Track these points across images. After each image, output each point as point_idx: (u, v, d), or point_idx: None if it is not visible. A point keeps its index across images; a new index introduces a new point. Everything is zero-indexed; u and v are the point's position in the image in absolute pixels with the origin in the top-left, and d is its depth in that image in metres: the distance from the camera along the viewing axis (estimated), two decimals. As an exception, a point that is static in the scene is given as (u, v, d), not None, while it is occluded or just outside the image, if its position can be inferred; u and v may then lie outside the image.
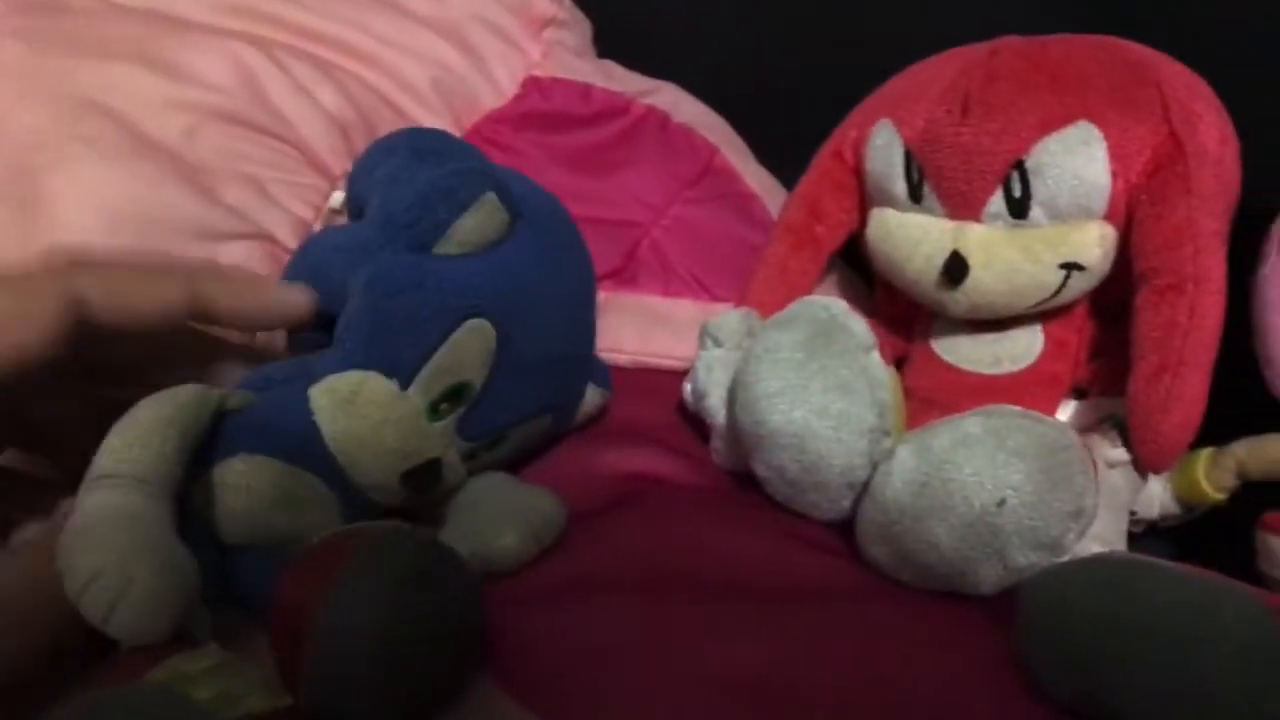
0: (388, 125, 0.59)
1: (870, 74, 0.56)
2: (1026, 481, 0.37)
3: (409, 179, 0.40)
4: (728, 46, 0.70)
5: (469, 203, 0.39)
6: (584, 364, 0.49)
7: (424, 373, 0.40)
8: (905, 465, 0.40)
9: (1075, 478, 0.37)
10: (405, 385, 0.39)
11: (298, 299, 0.40)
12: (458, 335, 0.40)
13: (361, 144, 0.57)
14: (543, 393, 0.45)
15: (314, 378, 0.39)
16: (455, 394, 0.41)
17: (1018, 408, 0.39)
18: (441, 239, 0.39)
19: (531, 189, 0.46)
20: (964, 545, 0.38)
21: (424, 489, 0.41)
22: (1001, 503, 0.37)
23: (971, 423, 0.39)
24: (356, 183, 0.44)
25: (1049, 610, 0.34)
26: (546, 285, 0.43)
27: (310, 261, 0.42)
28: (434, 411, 0.40)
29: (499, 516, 0.42)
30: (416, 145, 0.42)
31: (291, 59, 0.56)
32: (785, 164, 0.63)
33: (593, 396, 0.49)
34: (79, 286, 0.35)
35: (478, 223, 0.40)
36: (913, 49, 0.55)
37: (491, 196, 0.40)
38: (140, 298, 0.36)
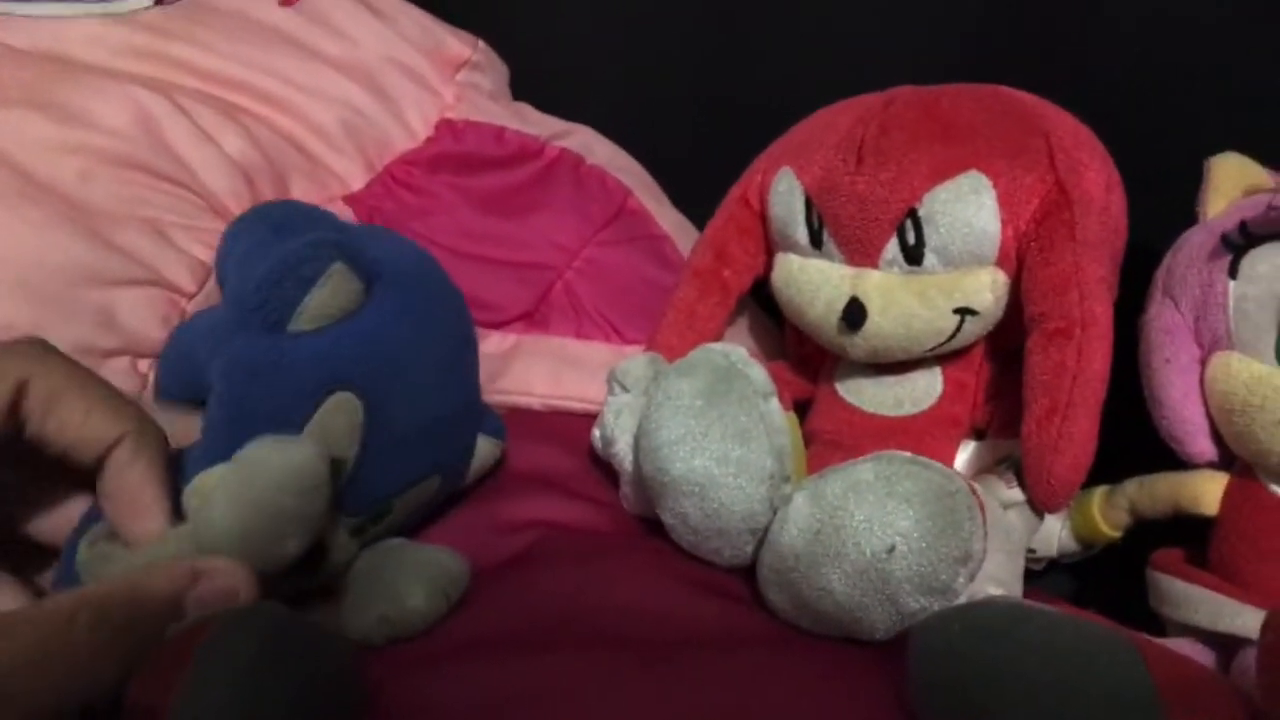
0: (297, 170, 0.59)
1: (781, 118, 0.57)
2: (915, 528, 0.38)
3: (261, 257, 0.39)
4: (643, 90, 0.70)
5: (316, 276, 0.38)
6: (468, 419, 0.48)
7: None
8: (800, 512, 0.40)
9: (963, 523, 0.38)
10: None
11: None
12: (322, 412, 0.39)
13: (268, 189, 0.57)
14: (424, 456, 0.44)
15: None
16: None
17: (908, 453, 0.40)
18: (293, 316, 0.38)
19: (395, 246, 0.45)
20: (856, 592, 0.38)
21: (311, 574, 0.40)
22: (891, 549, 0.38)
23: (864, 468, 0.40)
24: (220, 264, 0.42)
25: (934, 658, 0.34)
26: (412, 347, 0.42)
27: (179, 349, 0.41)
28: None
29: (404, 578, 0.41)
30: (269, 220, 0.41)
31: (195, 103, 0.56)
32: (698, 206, 0.64)
33: (485, 448, 0.48)
34: (30, 374, 0.34)
35: (328, 295, 0.39)
36: (824, 93, 0.56)
37: (340, 266, 0.39)
38: (73, 422, 0.34)
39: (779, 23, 0.66)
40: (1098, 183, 0.47)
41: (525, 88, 0.71)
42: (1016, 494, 0.47)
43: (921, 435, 0.51)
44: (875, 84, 0.54)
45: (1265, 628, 0.30)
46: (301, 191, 0.58)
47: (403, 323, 0.42)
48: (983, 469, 0.50)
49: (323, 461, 0.36)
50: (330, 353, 0.39)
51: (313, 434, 0.39)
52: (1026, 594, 0.48)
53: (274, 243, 0.39)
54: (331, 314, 0.39)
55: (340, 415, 0.39)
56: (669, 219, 0.65)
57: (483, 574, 0.45)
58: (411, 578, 0.41)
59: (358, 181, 0.61)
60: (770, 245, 0.55)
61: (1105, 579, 0.53)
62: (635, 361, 0.51)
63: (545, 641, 0.40)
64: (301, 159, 0.59)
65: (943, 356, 0.50)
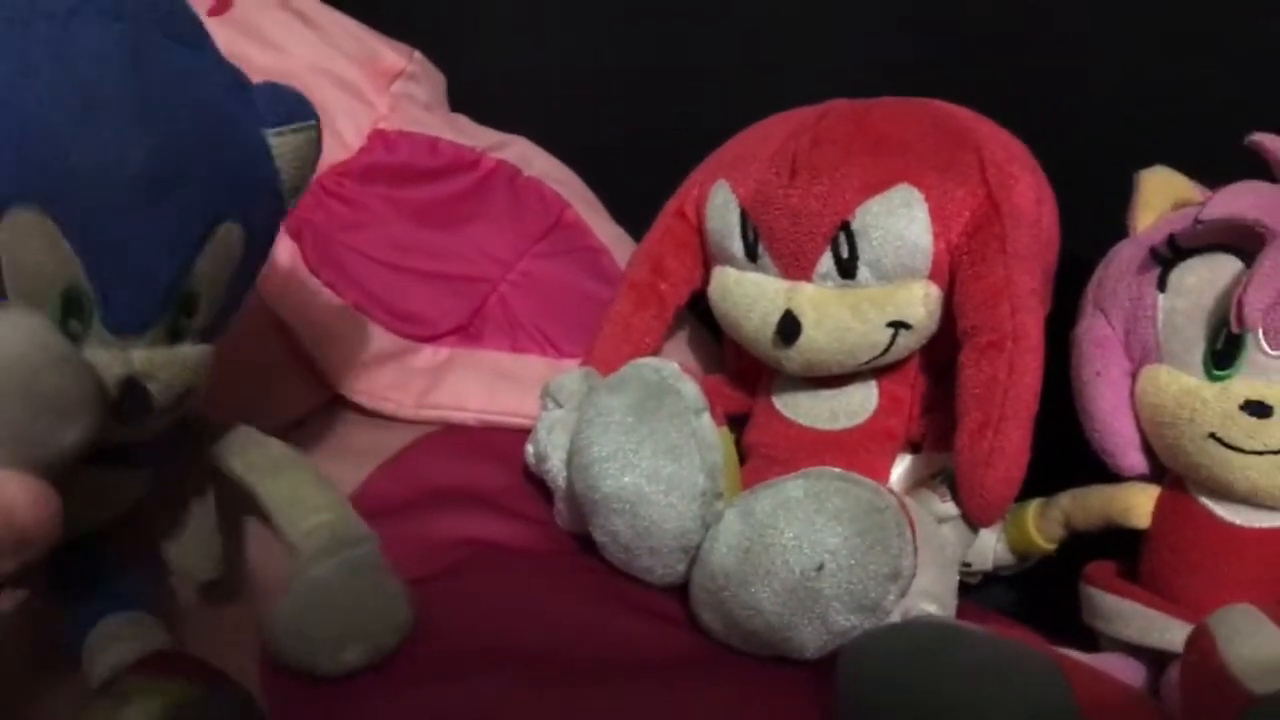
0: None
1: (719, 130, 0.57)
2: (844, 545, 0.37)
3: None
4: (582, 101, 0.70)
5: None
6: (218, 130, 0.37)
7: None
8: (730, 529, 0.40)
9: (892, 540, 0.38)
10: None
11: None
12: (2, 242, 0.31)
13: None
14: (180, 211, 0.35)
15: None
16: (70, 303, 0.33)
17: (838, 469, 0.40)
18: None
19: None
20: (786, 610, 0.38)
21: (135, 417, 0.34)
22: (820, 567, 0.37)
23: (794, 485, 0.39)
24: None
25: (861, 679, 0.34)
26: (60, 120, 0.32)
27: None
28: (71, 337, 0.33)
29: (345, 630, 0.39)
30: None
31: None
32: (637, 218, 0.63)
33: (290, 143, 0.40)
34: None
35: None
36: (761, 105, 0.56)
37: None
38: None
39: (717, 35, 0.66)
40: (1028, 196, 0.47)
41: (463, 99, 0.70)
42: (951, 508, 0.47)
43: (857, 449, 0.50)
44: (812, 97, 0.54)
45: (1188, 647, 0.30)
46: (228, 203, 0.57)
47: (32, 82, 0.32)
48: (918, 482, 0.50)
49: (39, 326, 0.30)
50: None
51: (14, 296, 0.32)
52: (964, 607, 0.48)
53: None
54: None
55: (28, 237, 0.32)
56: (607, 231, 0.64)
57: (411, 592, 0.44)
58: (352, 631, 0.39)
59: (288, 193, 0.59)
60: (707, 258, 0.54)
61: (1045, 591, 0.53)
62: (569, 376, 0.50)
63: (468, 665, 0.39)
64: (228, 170, 0.57)
65: (878, 370, 0.50)
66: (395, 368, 0.58)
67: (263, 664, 0.40)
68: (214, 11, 0.63)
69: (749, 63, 0.65)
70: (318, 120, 0.42)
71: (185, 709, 0.33)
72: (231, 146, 0.38)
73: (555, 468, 0.48)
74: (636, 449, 0.42)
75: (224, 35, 0.60)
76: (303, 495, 0.42)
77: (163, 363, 0.35)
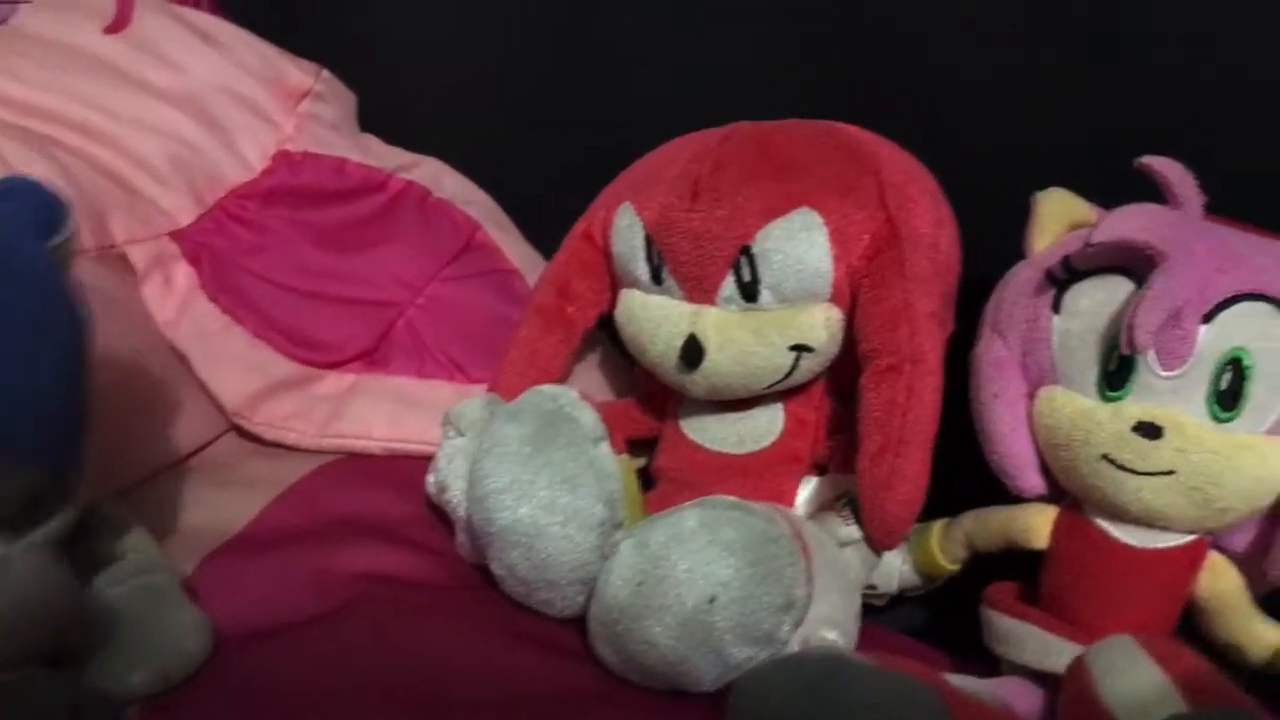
0: (116, 205, 0.56)
1: (631, 150, 0.56)
2: (736, 576, 0.37)
3: None
4: (494, 121, 0.69)
5: None
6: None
7: None
8: (625, 562, 0.39)
9: (785, 570, 0.37)
10: None
11: None
12: None
13: (82, 225, 0.53)
14: None
15: None
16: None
17: (732, 498, 0.39)
18: None
19: None
20: (680, 644, 0.37)
21: None
22: (712, 600, 0.37)
23: (688, 515, 0.39)
24: None
25: (750, 713, 0.33)
26: None
27: None
28: None
29: (133, 653, 0.38)
30: None
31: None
32: (551, 240, 0.62)
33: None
34: None
35: None
36: (670, 127, 0.55)
37: None
38: None
39: (627, 57, 0.65)
40: (927, 220, 0.47)
41: (374, 119, 0.68)
42: (854, 531, 0.47)
43: (764, 472, 0.50)
44: (719, 118, 0.53)
45: (1067, 680, 0.30)
46: (122, 227, 0.55)
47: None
48: (824, 505, 0.50)
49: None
50: None
51: None
52: (870, 630, 0.47)
53: None
54: None
55: None
56: (519, 253, 0.64)
57: (295, 628, 0.43)
58: (139, 655, 0.38)
59: (186, 216, 0.58)
60: (614, 281, 0.54)
61: (954, 612, 0.53)
62: (470, 404, 0.49)
63: (356, 705, 0.38)
64: (122, 194, 0.56)
65: (784, 393, 0.50)
66: (297, 396, 0.56)
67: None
68: (111, 29, 0.61)
69: (660, 83, 0.65)
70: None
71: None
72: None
73: (456, 498, 0.47)
74: (533, 480, 0.41)
75: (119, 53, 0.60)
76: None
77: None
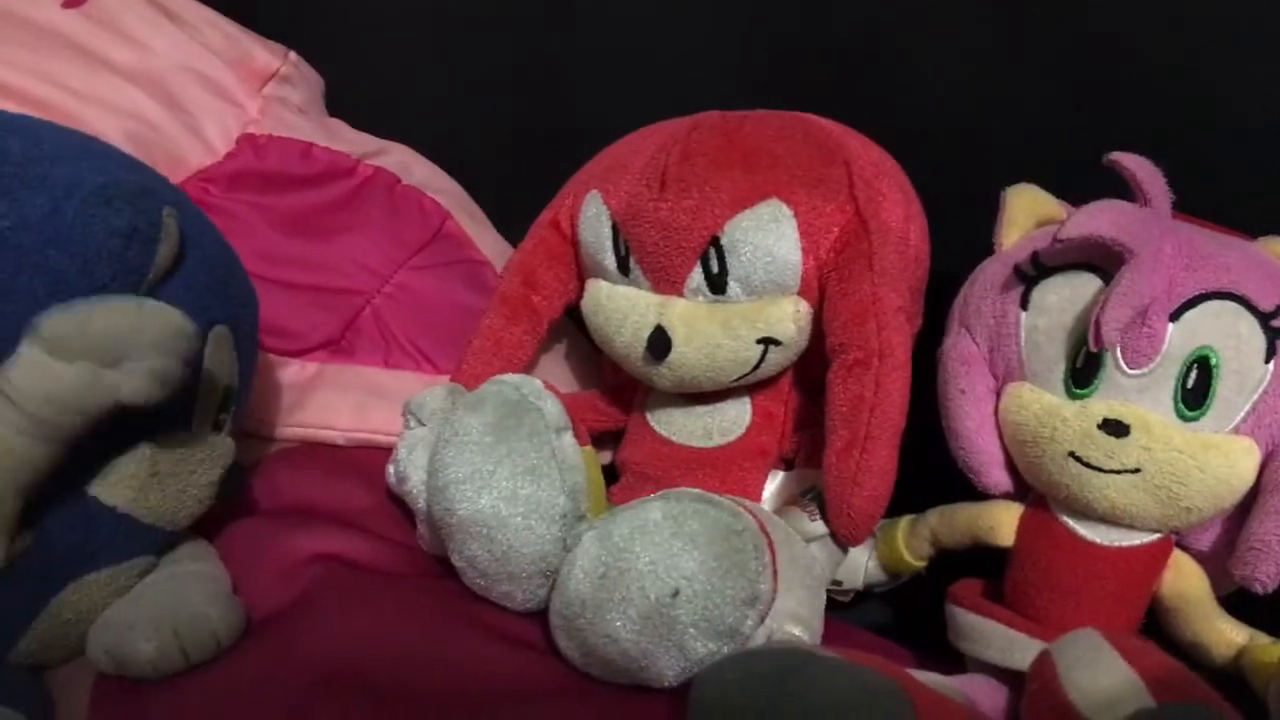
0: (73, 185, 0.54)
1: (602, 138, 0.56)
2: (700, 570, 0.36)
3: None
4: (464, 108, 0.68)
5: (156, 233, 0.39)
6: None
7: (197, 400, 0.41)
8: (587, 554, 0.38)
9: (749, 564, 0.37)
10: (189, 425, 0.41)
11: None
12: (208, 351, 0.42)
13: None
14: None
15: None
16: (226, 401, 0.44)
17: (697, 491, 0.39)
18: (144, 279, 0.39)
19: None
20: (643, 638, 0.37)
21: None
22: (675, 593, 0.36)
23: (653, 508, 0.38)
24: None
25: (711, 707, 0.33)
26: (235, 265, 0.46)
27: None
28: (217, 427, 0.44)
29: (152, 619, 0.39)
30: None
31: (-46, 112, 0.51)
32: (520, 229, 0.62)
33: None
34: None
35: (168, 249, 0.40)
36: (638, 115, 0.55)
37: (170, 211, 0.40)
38: None
39: (595, 44, 0.65)
40: (896, 214, 0.47)
41: (342, 103, 0.67)
42: (820, 526, 0.47)
43: (731, 466, 0.50)
44: (687, 107, 0.53)
45: (1031, 674, 0.30)
46: (79, 209, 0.54)
47: (221, 246, 0.46)
48: (790, 500, 0.49)
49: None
50: (192, 294, 0.41)
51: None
52: (836, 626, 0.47)
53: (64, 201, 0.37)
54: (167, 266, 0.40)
55: (222, 348, 0.43)
56: (489, 243, 0.63)
57: (262, 618, 0.42)
58: (159, 622, 0.39)
59: (146, 199, 0.56)
60: (581, 271, 0.53)
61: (921, 608, 0.53)
62: (432, 393, 0.48)
63: (312, 693, 0.37)
64: (81, 174, 0.54)
65: (751, 387, 0.50)
66: (258, 384, 0.55)
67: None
68: (71, 3, 0.60)
69: (629, 72, 0.64)
70: None
71: None
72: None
73: (416, 488, 0.46)
74: (494, 470, 0.41)
75: (79, 28, 0.58)
76: None
77: None
